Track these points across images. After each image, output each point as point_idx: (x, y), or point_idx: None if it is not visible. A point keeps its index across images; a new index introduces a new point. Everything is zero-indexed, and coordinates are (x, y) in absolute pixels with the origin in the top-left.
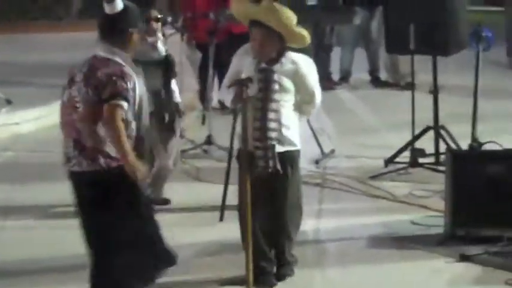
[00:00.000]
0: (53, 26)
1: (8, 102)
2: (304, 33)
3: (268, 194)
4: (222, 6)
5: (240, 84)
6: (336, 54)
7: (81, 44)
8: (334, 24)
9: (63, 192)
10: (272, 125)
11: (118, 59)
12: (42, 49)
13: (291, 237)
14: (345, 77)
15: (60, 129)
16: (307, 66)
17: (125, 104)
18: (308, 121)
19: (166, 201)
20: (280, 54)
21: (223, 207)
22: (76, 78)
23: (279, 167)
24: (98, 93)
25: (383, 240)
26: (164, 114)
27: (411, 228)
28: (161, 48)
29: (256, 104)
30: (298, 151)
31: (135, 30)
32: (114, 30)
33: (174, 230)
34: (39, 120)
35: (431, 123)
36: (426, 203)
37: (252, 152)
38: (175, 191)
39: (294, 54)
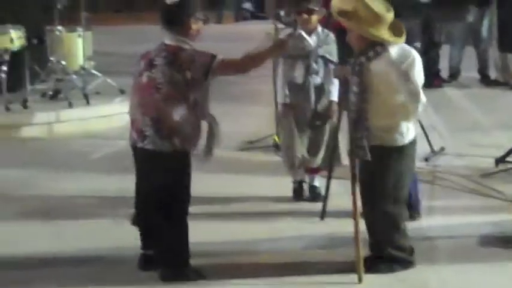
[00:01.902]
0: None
1: (121, 91)
2: (385, 36)
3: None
4: None
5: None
6: (444, 52)
7: None
8: (447, 21)
9: None
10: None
11: (187, 47)
12: (150, 40)
13: (387, 231)
14: (454, 74)
15: (134, 110)
16: (399, 60)
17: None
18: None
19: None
20: (370, 47)
21: (324, 206)
22: (155, 62)
23: (369, 157)
24: (183, 73)
25: (494, 240)
26: (302, 110)
27: None
28: (308, 41)
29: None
30: (391, 148)
31: (192, 18)
32: (173, 19)
33: (281, 222)
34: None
35: None
36: None
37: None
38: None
39: (393, 49)
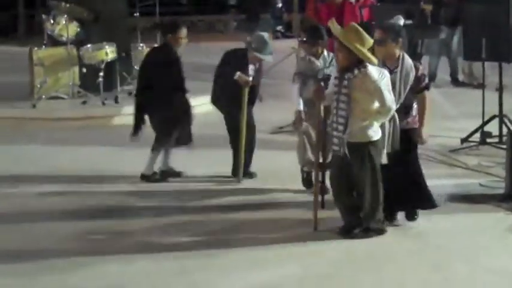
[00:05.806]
0: (216, 37)
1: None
2: (367, 55)
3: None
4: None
5: (319, 82)
6: (425, 61)
7: None
8: (425, 38)
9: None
10: (340, 120)
11: None
12: (202, 54)
13: (366, 209)
14: (431, 78)
15: None
16: (376, 76)
17: None
18: None
19: None
20: (353, 66)
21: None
22: None
23: (346, 152)
24: None
25: (457, 197)
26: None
27: (479, 189)
28: (316, 63)
29: (333, 102)
30: (368, 143)
31: None
32: None
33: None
34: (205, 105)
35: (497, 113)
36: (491, 171)
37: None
38: None
39: (370, 68)
